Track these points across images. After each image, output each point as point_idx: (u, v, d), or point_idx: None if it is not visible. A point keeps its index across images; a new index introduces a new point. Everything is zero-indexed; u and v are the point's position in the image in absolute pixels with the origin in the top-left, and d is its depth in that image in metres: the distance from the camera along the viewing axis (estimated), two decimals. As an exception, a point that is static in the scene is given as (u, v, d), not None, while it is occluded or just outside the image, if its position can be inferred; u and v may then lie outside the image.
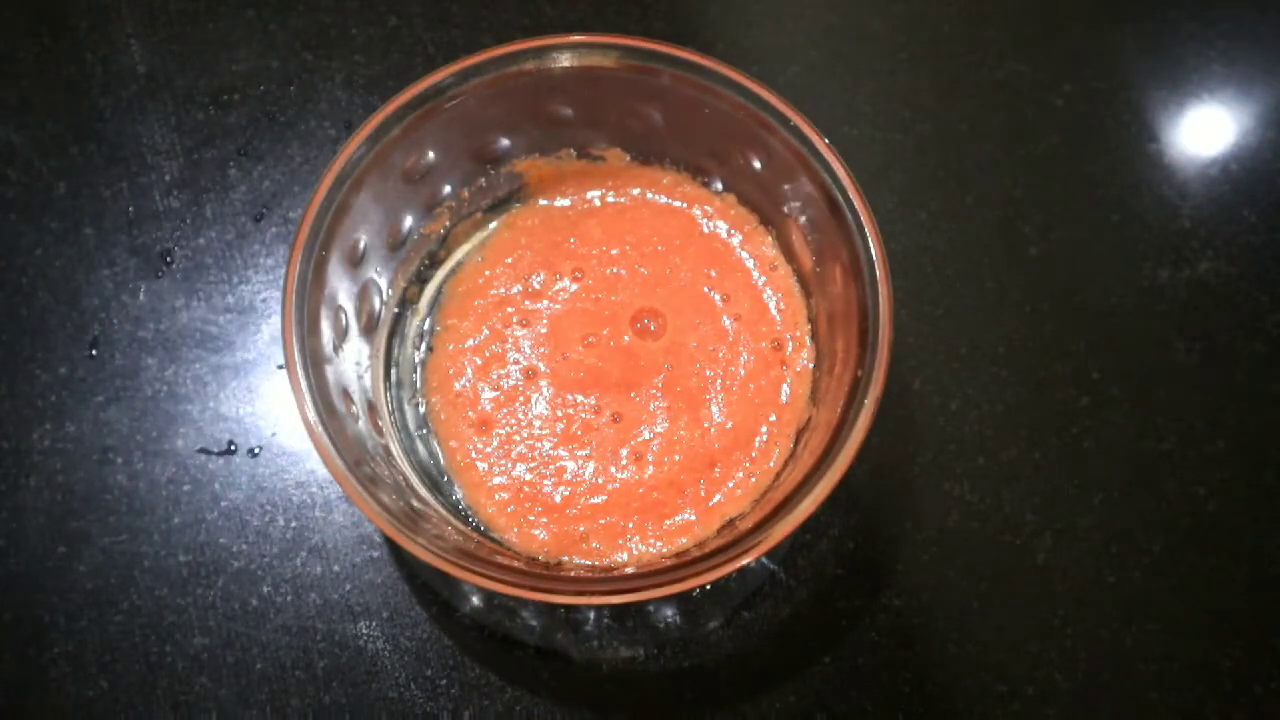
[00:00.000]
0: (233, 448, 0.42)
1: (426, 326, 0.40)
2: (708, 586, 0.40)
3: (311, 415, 0.32)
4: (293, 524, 0.41)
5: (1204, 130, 0.48)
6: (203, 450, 0.42)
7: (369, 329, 0.38)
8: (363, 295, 0.38)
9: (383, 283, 0.39)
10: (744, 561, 0.32)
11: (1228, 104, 0.48)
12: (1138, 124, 0.48)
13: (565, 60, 0.36)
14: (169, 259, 0.45)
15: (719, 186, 0.41)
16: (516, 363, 0.39)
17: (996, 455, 0.42)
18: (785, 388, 0.39)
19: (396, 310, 0.40)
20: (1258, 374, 0.44)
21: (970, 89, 0.48)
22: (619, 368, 0.39)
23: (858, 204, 0.35)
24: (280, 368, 0.43)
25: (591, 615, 0.40)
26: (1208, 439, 0.43)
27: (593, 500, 0.38)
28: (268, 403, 0.43)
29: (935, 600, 0.41)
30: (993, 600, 0.41)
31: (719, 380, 0.39)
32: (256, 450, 0.42)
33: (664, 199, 0.41)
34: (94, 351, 0.43)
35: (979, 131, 0.47)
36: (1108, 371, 0.43)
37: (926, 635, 0.40)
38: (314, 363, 0.33)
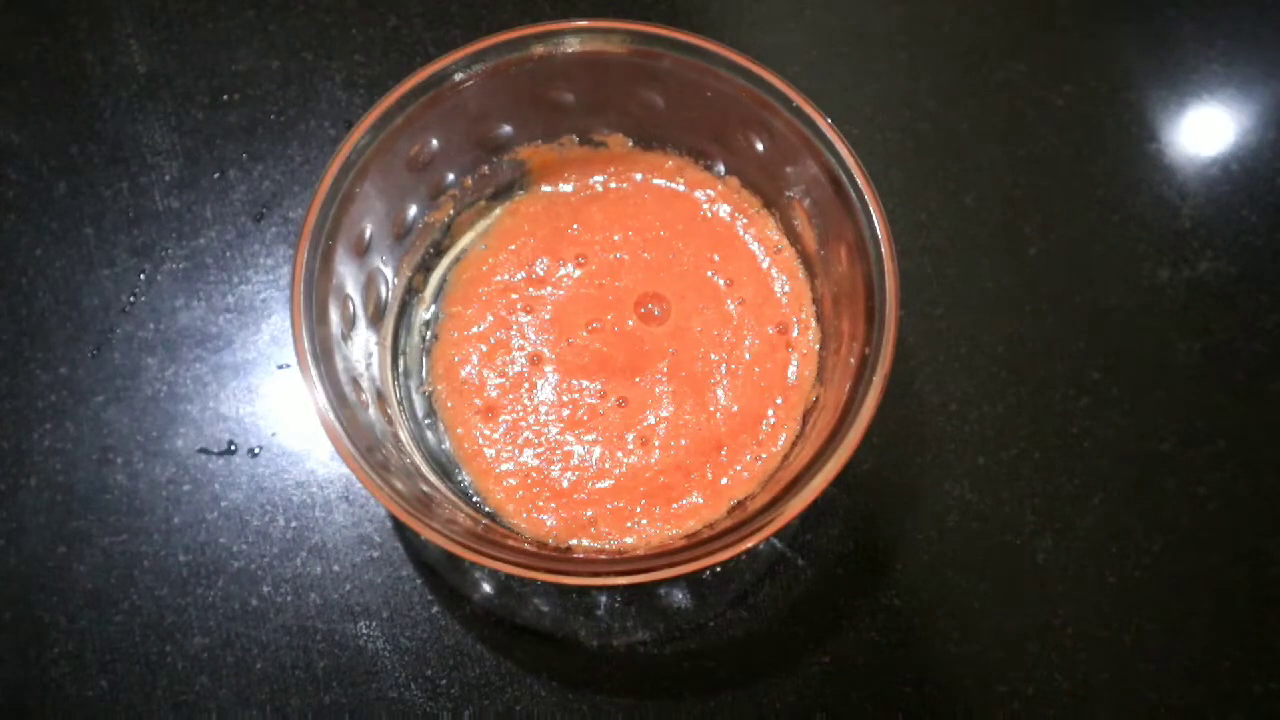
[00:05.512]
0: (233, 448, 0.42)
1: (431, 314, 0.40)
2: (718, 569, 0.40)
3: (323, 403, 0.32)
4: (293, 524, 0.41)
5: (1204, 130, 0.48)
6: (203, 450, 0.42)
7: (376, 318, 0.38)
8: (369, 284, 0.38)
9: (388, 271, 0.39)
10: (757, 540, 0.32)
11: (1228, 104, 0.48)
12: (1138, 124, 0.48)
13: (567, 45, 0.36)
14: (169, 259, 0.45)
15: (722, 170, 0.41)
16: (521, 349, 0.40)
17: (996, 455, 0.42)
18: (791, 370, 0.39)
19: (402, 299, 0.40)
20: (1258, 374, 0.44)
21: (970, 89, 0.48)
22: (624, 353, 0.39)
23: (861, 182, 0.35)
24: (281, 367, 0.43)
25: (603, 600, 0.40)
26: (1208, 439, 0.43)
27: (599, 485, 0.38)
28: (268, 403, 0.43)
29: (935, 600, 0.41)
30: (993, 600, 0.41)
31: (724, 364, 0.39)
32: (256, 450, 0.42)
33: (667, 183, 0.42)
34: (94, 351, 0.43)
35: (979, 131, 0.47)
36: (1108, 371, 0.43)
37: (926, 635, 0.40)
38: (323, 352, 0.33)
